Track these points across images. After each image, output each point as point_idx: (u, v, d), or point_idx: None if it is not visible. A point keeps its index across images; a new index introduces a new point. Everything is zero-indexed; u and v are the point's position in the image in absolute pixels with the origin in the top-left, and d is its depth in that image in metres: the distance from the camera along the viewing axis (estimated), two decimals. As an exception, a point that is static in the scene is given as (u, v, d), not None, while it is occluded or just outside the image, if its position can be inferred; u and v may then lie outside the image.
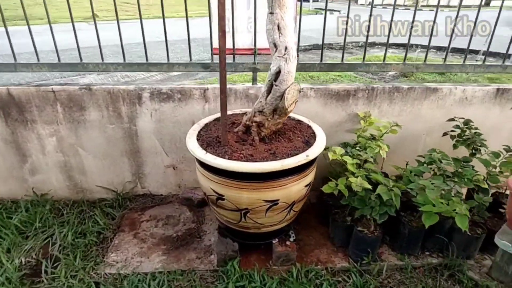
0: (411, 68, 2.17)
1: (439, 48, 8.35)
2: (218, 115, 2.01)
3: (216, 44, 2.05)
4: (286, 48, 1.54)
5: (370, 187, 1.69)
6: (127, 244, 2.07)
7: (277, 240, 1.89)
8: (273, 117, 1.66)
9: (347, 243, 1.98)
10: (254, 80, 2.18)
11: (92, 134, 2.24)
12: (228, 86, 2.15)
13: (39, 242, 2.06)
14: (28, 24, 1.99)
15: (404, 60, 2.17)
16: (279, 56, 1.55)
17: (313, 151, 1.60)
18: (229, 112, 2.03)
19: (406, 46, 2.15)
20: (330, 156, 1.76)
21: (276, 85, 1.56)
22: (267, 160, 1.52)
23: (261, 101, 1.65)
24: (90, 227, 2.16)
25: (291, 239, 1.91)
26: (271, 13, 1.54)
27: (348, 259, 1.93)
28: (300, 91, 1.63)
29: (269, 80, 1.59)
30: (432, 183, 1.66)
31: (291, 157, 1.53)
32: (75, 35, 2.02)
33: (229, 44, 2.10)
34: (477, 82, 5.55)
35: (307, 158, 1.54)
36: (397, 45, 8.99)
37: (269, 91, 1.61)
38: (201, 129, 1.84)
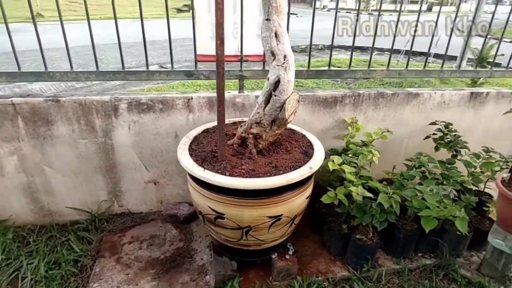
0: (394, 74, 2.21)
1: (397, 51, 8.87)
2: (207, 126, 1.90)
3: (200, 51, 1.94)
4: (285, 56, 1.47)
5: (371, 195, 1.67)
6: (110, 271, 1.86)
7: (276, 254, 1.81)
8: (271, 128, 1.58)
9: (344, 251, 1.95)
10: (240, 88, 2.08)
11: (61, 150, 1.99)
12: (212, 94, 2.04)
13: (5, 278, 1.79)
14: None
15: (388, 66, 2.20)
16: (278, 65, 1.47)
17: (315, 163, 1.54)
18: (214, 123, 1.93)
19: (370, 50, 2.18)
20: (331, 166, 1.72)
21: (275, 95, 1.49)
22: (270, 175, 1.43)
23: (258, 112, 1.56)
24: (64, 255, 1.92)
25: (290, 252, 1.84)
26: (268, 19, 1.46)
27: (347, 267, 1.91)
28: (299, 101, 1.56)
29: (267, 90, 1.51)
30: (430, 189, 1.68)
31: (295, 170, 1.46)
32: (38, 38, 1.79)
33: (212, 51, 1.99)
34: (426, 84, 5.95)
35: (310, 170, 1.48)
36: (356, 48, 9.37)
37: (267, 101, 1.53)
38: (191, 143, 1.71)
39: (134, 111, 1.97)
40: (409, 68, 2.22)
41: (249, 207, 1.45)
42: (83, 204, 2.20)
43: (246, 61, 2.02)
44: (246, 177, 1.41)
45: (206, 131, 1.84)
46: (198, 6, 1.84)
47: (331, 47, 2.20)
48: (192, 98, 2.00)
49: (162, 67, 7.98)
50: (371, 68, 2.16)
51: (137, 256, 1.97)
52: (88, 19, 1.79)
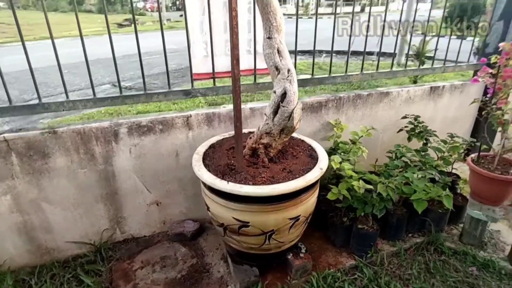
0: (368, 77, 2.48)
1: (338, 52, 9.55)
2: (211, 141, 1.98)
3: (196, 69, 2.02)
4: (289, 70, 1.61)
5: (371, 187, 1.87)
6: (127, 299, 1.84)
7: (291, 254, 1.93)
8: (280, 137, 1.71)
9: (347, 243, 2.13)
10: (235, 102, 2.18)
11: (59, 183, 1.93)
12: (210, 110, 2.12)
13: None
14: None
15: (361, 70, 2.46)
16: (283, 79, 1.61)
17: (323, 164, 1.70)
18: (219, 137, 2.01)
19: (347, 55, 2.44)
20: (334, 165, 1.90)
21: (283, 106, 1.62)
22: (289, 179, 1.56)
23: (267, 123, 1.68)
24: (75, 292, 1.85)
25: (303, 251, 1.97)
26: (269, 37, 1.60)
27: (353, 256, 2.09)
28: (302, 109, 1.71)
29: (275, 102, 1.64)
30: (417, 175, 1.93)
31: (309, 173, 1.61)
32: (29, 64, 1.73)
33: (208, 69, 2.08)
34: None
35: (321, 171, 1.64)
36: (303, 52, 9.92)
37: (275, 112, 1.66)
38: (203, 159, 1.77)
39: (135, 134, 1.98)
40: (379, 71, 2.50)
41: (273, 212, 1.56)
42: (84, 236, 2.13)
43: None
44: (268, 184, 1.52)
45: (212, 146, 1.91)
46: (192, 27, 1.92)
47: (313, 56, 2.39)
48: (191, 116, 2.06)
49: (114, 85, 7.73)
50: (348, 73, 2.40)
51: (153, 279, 1.96)
52: (52, 39, 1.72)
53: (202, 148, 1.88)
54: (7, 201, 1.86)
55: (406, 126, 2.54)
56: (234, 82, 1.43)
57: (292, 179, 1.56)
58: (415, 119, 2.52)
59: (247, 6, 1.98)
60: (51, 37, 1.72)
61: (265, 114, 1.70)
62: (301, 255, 1.95)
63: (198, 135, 2.11)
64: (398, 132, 2.58)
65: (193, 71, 2.02)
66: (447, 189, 2.24)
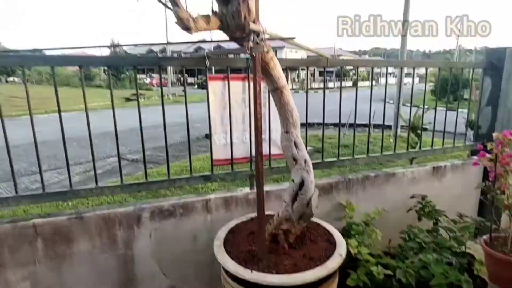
0: (373, 159, 2.65)
1: (335, 124, 10.01)
2: (230, 226, 2.04)
3: (216, 156, 2.19)
4: (305, 161, 1.77)
5: (390, 272, 1.88)
6: None
7: None
8: (299, 223, 1.79)
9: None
10: (251, 186, 2.30)
11: (79, 269, 1.94)
12: (228, 194, 2.23)
13: None
14: None
15: (367, 153, 2.63)
16: (300, 168, 1.76)
17: (342, 249, 1.74)
18: (237, 221, 2.08)
19: (353, 142, 2.64)
20: (352, 250, 1.93)
21: (302, 194, 1.73)
22: (311, 267, 1.59)
23: (287, 210, 1.77)
24: None
25: None
26: (287, 132, 1.79)
27: None
28: (319, 196, 1.82)
29: (293, 190, 1.76)
30: (434, 259, 1.95)
31: (330, 260, 1.65)
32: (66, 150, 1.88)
33: (226, 155, 2.24)
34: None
35: (341, 257, 1.68)
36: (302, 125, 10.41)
37: (293, 199, 1.77)
38: (224, 244, 1.82)
39: (156, 219, 2.05)
40: (384, 153, 2.68)
41: (297, 302, 1.56)
42: (94, 326, 2.05)
43: (251, 161, 2.29)
44: (292, 272, 1.55)
45: (232, 231, 1.97)
46: (214, 118, 2.14)
47: (322, 143, 2.59)
48: (210, 200, 2.16)
49: (123, 158, 7.98)
50: (356, 156, 2.57)
51: None
52: (60, 115, 1.85)
53: (222, 233, 1.93)
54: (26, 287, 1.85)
55: (415, 206, 2.62)
56: (258, 176, 1.57)
57: (314, 267, 1.59)
58: (423, 198, 2.62)
59: (262, 101, 2.22)
60: (59, 112, 1.84)
61: (284, 201, 1.80)
62: None
63: (216, 218, 2.19)
64: (408, 211, 2.65)
65: (214, 158, 2.18)
66: (465, 272, 2.24)
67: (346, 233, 2.37)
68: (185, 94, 2.12)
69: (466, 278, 1.88)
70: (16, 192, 1.82)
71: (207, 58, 1.93)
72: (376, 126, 8.94)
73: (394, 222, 2.74)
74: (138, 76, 2.14)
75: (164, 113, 2.02)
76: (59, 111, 1.85)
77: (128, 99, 21.82)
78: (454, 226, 2.44)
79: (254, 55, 1.53)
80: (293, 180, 1.78)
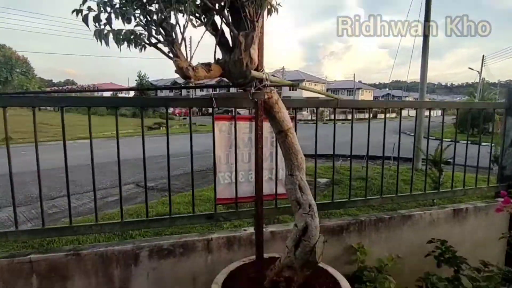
0: (388, 201, 2.50)
1: (355, 156, 9.71)
2: (231, 268, 1.93)
3: (220, 195, 2.12)
4: (310, 205, 1.67)
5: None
6: None
7: None
8: (302, 271, 1.66)
9: None
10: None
11: (72, 309, 1.87)
12: (231, 234, 2.14)
13: None
14: None
15: (381, 195, 2.50)
16: (304, 213, 1.66)
17: (349, 303, 1.60)
18: (238, 264, 1.97)
19: (365, 181, 2.51)
20: (361, 304, 1.78)
21: (305, 240, 1.63)
22: (312, 324, 1.45)
23: (289, 256, 1.66)
24: None
25: None
26: (291, 175, 1.71)
27: None
28: (324, 242, 1.71)
29: (296, 236, 1.65)
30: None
31: (334, 316, 1.50)
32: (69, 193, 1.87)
33: (231, 194, 2.18)
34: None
35: (348, 313, 1.53)
36: (325, 156, 10.23)
37: (296, 245, 1.66)
38: (222, 292, 1.71)
39: (155, 258, 1.98)
40: (398, 194, 2.53)
41: None
42: None
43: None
44: (291, 329, 1.42)
45: (232, 274, 1.86)
46: (219, 157, 2.10)
47: (332, 180, 2.48)
48: (212, 240, 2.07)
49: (138, 185, 8.04)
50: (368, 197, 2.44)
51: None
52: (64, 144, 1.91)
53: (221, 277, 1.83)
54: (16, 328, 1.79)
55: (433, 251, 2.42)
56: (257, 232, 1.48)
57: (315, 324, 1.46)
58: (442, 243, 2.42)
59: (270, 141, 2.18)
60: (64, 142, 1.85)
61: (286, 246, 1.70)
62: None
63: (217, 258, 2.09)
64: (425, 256, 2.45)
65: (217, 196, 2.12)
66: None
67: (357, 279, 2.20)
68: (190, 134, 2.09)
69: None
70: (16, 227, 1.81)
71: (214, 100, 1.92)
72: (395, 158, 8.70)
73: (410, 268, 2.54)
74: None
75: (168, 147, 2.01)
76: (63, 142, 1.87)
77: (150, 128, 22.52)
78: (478, 276, 2.22)
79: (256, 100, 1.50)
80: (296, 225, 1.68)
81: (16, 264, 1.77)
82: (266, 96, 1.54)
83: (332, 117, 2.63)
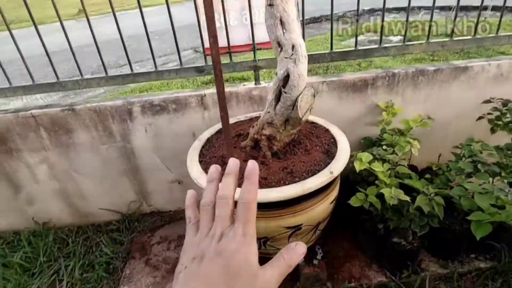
0: (436, 47, 1.87)
1: (442, 8, 7.66)
2: (220, 125, 1.77)
3: (208, 44, 1.78)
4: (293, 46, 1.26)
5: (407, 198, 1.44)
6: (139, 273, 1.90)
7: (302, 259, 1.68)
8: (285, 128, 1.41)
9: (380, 254, 1.76)
10: (256, 79, 1.90)
11: (85, 157, 2.02)
12: (228, 89, 1.89)
13: (45, 280, 1.91)
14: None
15: (428, 38, 1.85)
16: (286, 57, 1.27)
17: (337, 165, 1.35)
18: (232, 120, 1.80)
19: (406, 21, 1.82)
20: (357, 166, 1.52)
21: (285, 92, 1.30)
22: (284, 183, 1.28)
23: (269, 111, 1.39)
24: (98, 258, 1.99)
25: (319, 257, 1.70)
26: (270, 5, 1.25)
27: (384, 272, 1.73)
28: (315, 96, 1.36)
29: (276, 87, 1.33)
30: (483, 187, 1.41)
31: (312, 177, 1.29)
32: (45, 49, 1.77)
33: (223, 42, 1.82)
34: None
35: (331, 176, 1.30)
36: (398, 9, 8.39)
37: (277, 98, 1.35)
38: (203, 147, 1.60)
39: (148, 113, 1.91)
40: (454, 39, 1.85)
41: (263, 218, 1.33)
42: (114, 205, 2.25)
43: (260, 49, 1.83)
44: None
45: (219, 131, 1.72)
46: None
47: (357, 23, 1.89)
48: (205, 95, 1.88)
49: (196, 51, 7.90)
50: (407, 43, 1.84)
51: (165, 257, 1.98)
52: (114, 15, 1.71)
53: (207, 134, 1.70)
54: (44, 170, 2.05)
55: (489, 113, 1.89)
56: (214, 66, 1.17)
57: (289, 184, 1.28)
58: (505, 104, 1.84)
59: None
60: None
61: (267, 99, 1.41)
62: (315, 262, 1.69)
63: (215, 115, 1.93)
64: (477, 120, 1.94)
65: (206, 46, 1.79)
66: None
67: (375, 143, 1.89)
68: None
69: (523, 219, 1.32)
70: (10, 84, 1.83)
71: None
72: (496, 8, 6.59)
73: (456, 133, 2.08)
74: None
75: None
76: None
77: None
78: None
79: None
80: (276, 73, 1.33)
81: (22, 119, 1.87)
82: None
83: None
